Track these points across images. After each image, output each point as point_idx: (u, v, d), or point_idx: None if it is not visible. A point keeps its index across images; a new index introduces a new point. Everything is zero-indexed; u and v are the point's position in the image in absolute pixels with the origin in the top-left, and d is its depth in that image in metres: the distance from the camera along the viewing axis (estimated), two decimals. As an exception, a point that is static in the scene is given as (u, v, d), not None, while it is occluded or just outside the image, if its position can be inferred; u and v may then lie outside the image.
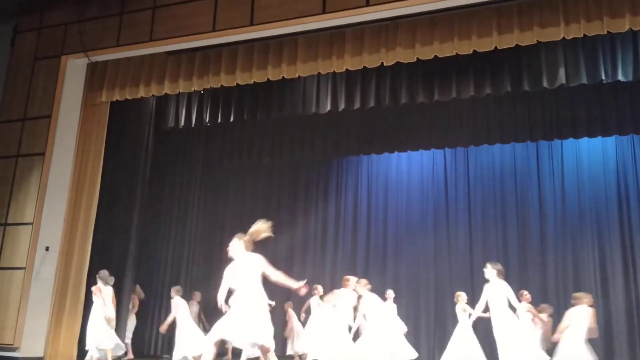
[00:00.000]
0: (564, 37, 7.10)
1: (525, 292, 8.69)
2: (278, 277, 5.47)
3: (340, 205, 12.21)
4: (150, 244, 11.01)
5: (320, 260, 11.97)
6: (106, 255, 9.84)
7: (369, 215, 11.94)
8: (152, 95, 9.32)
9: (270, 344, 5.30)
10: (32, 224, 8.52)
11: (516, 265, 10.57)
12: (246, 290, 5.36)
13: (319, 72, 8.36)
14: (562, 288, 10.17)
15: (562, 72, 8.00)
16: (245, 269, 5.48)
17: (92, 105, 9.22)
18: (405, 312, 10.79)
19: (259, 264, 5.54)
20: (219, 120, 10.04)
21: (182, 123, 10.23)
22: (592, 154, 10.69)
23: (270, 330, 5.33)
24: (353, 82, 9.23)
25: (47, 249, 8.49)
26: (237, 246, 5.67)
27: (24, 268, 8.36)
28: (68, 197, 8.83)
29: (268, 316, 5.39)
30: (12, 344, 8.07)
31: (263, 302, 5.42)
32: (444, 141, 10.76)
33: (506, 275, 10.39)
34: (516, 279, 10.40)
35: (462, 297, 9.04)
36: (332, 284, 11.54)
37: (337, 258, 11.86)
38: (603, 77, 7.93)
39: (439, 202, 11.49)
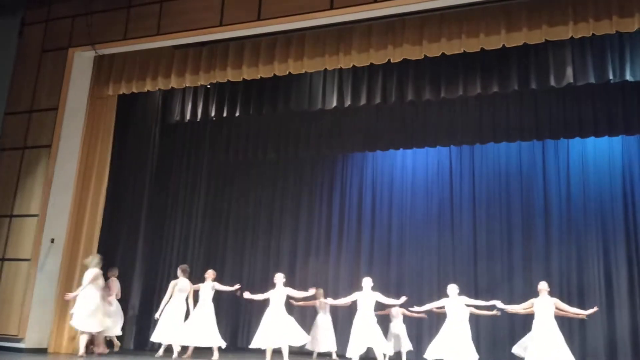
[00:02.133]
0: (572, 36, 7.08)
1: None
2: None
3: (344, 201, 12.19)
4: (155, 237, 11.03)
5: (324, 257, 11.96)
6: (112, 249, 9.89)
7: (373, 212, 11.92)
8: (159, 89, 9.33)
9: None
10: (37, 216, 8.56)
11: (520, 264, 10.54)
12: None
13: (326, 68, 8.37)
14: (566, 286, 10.14)
15: (569, 71, 7.97)
16: None
17: (99, 98, 9.25)
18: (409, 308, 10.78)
19: None
20: (225, 115, 10.05)
21: (188, 117, 10.24)
22: (599, 153, 10.64)
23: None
24: (359, 79, 9.21)
25: (52, 241, 8.54)
26: None
27: (29, 259, 8.42)
28: (74, 190, 8.86)
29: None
30: (17, 335, 8.13)
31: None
32: (450, 139, 10.72)
33: (510, 272, 10.48)
34: (520, 277, 10.40)
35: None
36: (336, 280, 11.56)
37: (340, 254, 11.85)
38: (611, 77, 7.90)
39: (443, 199, 11.45)
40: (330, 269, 11.78)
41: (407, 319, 9.65)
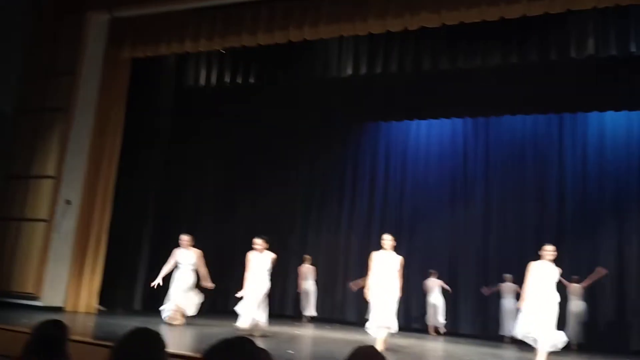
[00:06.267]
0: (595, 6, 6.90)
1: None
2: None
3: (357, 171, 12.20)
4: (169, 200, 11.10)
5: (335, 227, 12.03)
6: (126, 212, 10.00)
7: (386, 182, 11.93)
8: (173, 53, 9.30)
9: None
10: (54, 177, 8.67)
11: (533, 237, 10.51)
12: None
13: (342, 35, 8.27)
14: (580, 260, 10.11)
15: (591, 43, 7.79)
16: None
17: (114, 62, 9.24)
18: (419, 280, 10.86)
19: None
20: (239, 81, 10.00)
21: (203, 82, 10.20)
22: (617, 128, 10.48)
23: None
24: (376, 47, 9.09)
25: (68, 202, 8.65)
26: None
27: (46, 220, 8.55)
28: (89, 152, 8.94)
29: None
30: (34, 293, 8.31)
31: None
32: (465, 110, 10.62)
33: (522, 247, 10.47)
34: (532, 250, 10.36)
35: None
36: (347, 250, 11.63)
37: (352, 224, 11.91)
38: (633, 49, 7.71)
39: (457, 171, 11.41)
40: (341, 238, 11.85)
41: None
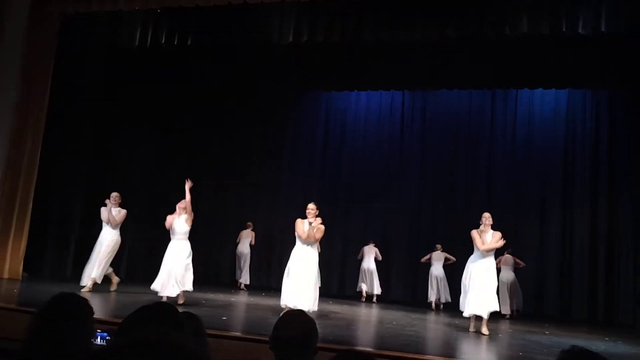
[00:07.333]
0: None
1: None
2: None
3: (297, 140, 12.17)
4: (101, 163, 10.70)
5: (273, 195, 12.00)
6: (55, 176, 9.60)
7: (324, 152, 11.99)
8: (107, 11, 8.85)
9: None
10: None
11: (462, 206, 10.91)
12: None
13: (283, 1, 8.11)
14: (505, 230, 10.55)
15: (524, 21, 8.01)
16: None
17: (41, 17, 8.69)
18: (355, 247, 11.07)
19: None
20: (176, 43, 9.63)
21: (137, 43, 9.76)
22: (545, 105, 10.94)
23: None
24: (317, 15, 8.98)
25: (-10, 165, 8.21)
26: None
27: (-34, 183, 8.10)
28: (13, 115, 8.45)
29: None
30: (-48, 260, 7.91)
31: None
32: (404, 83, 10.77)
33: (453, 216, 10.85)
34: (462, 219, 10.77)
35: None
36: (285, 220, 11.63)
37: (290, 193, 11.90)
38: (564, 29, 7.98)
39: (393, 142, 11.65)
40: (278, 207, 11.82)
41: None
